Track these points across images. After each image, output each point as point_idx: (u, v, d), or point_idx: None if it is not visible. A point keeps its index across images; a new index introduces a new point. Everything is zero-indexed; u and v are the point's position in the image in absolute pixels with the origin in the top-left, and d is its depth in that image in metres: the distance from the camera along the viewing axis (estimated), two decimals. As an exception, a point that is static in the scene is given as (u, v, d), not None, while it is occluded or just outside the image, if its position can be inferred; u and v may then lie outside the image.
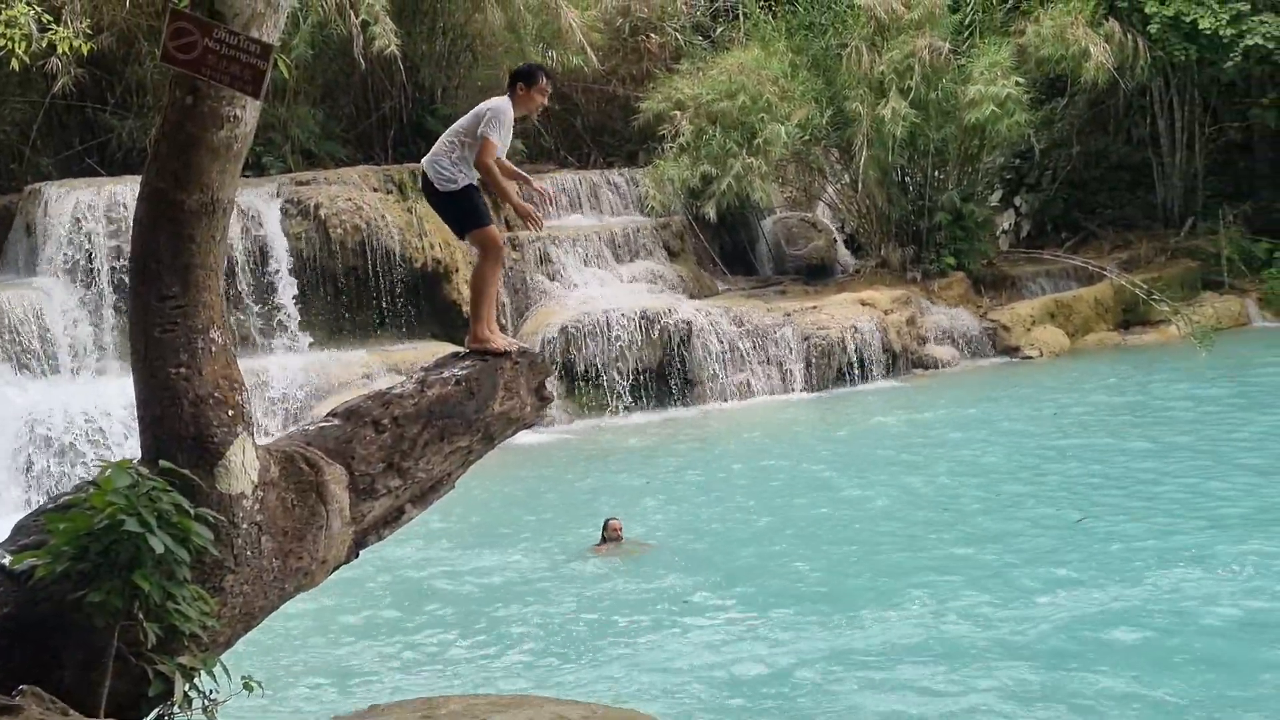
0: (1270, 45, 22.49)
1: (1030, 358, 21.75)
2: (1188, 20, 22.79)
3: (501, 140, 6.79)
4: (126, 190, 16.91)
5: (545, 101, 7.12)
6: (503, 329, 7.25)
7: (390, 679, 8.76)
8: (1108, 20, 22.91)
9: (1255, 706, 7.51)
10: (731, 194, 21.73)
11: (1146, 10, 23.10)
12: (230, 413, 4.94)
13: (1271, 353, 21.03)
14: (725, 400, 19.43)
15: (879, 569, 10.69)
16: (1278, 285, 24.55)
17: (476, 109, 6.90)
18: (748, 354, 19.86)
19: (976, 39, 22.52)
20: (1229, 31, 22.57)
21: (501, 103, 6.87)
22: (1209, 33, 22.67)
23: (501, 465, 14.92)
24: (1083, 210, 27.72)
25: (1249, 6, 22.71)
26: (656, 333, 19.39)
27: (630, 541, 11.52)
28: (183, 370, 4.87)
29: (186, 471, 4.79)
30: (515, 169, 7.22)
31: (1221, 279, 24.69)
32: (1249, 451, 14.18)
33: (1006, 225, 28.60)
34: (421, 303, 19.26)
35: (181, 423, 4.88)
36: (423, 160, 6.95)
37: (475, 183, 6.89)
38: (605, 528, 11.51)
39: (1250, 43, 22.50)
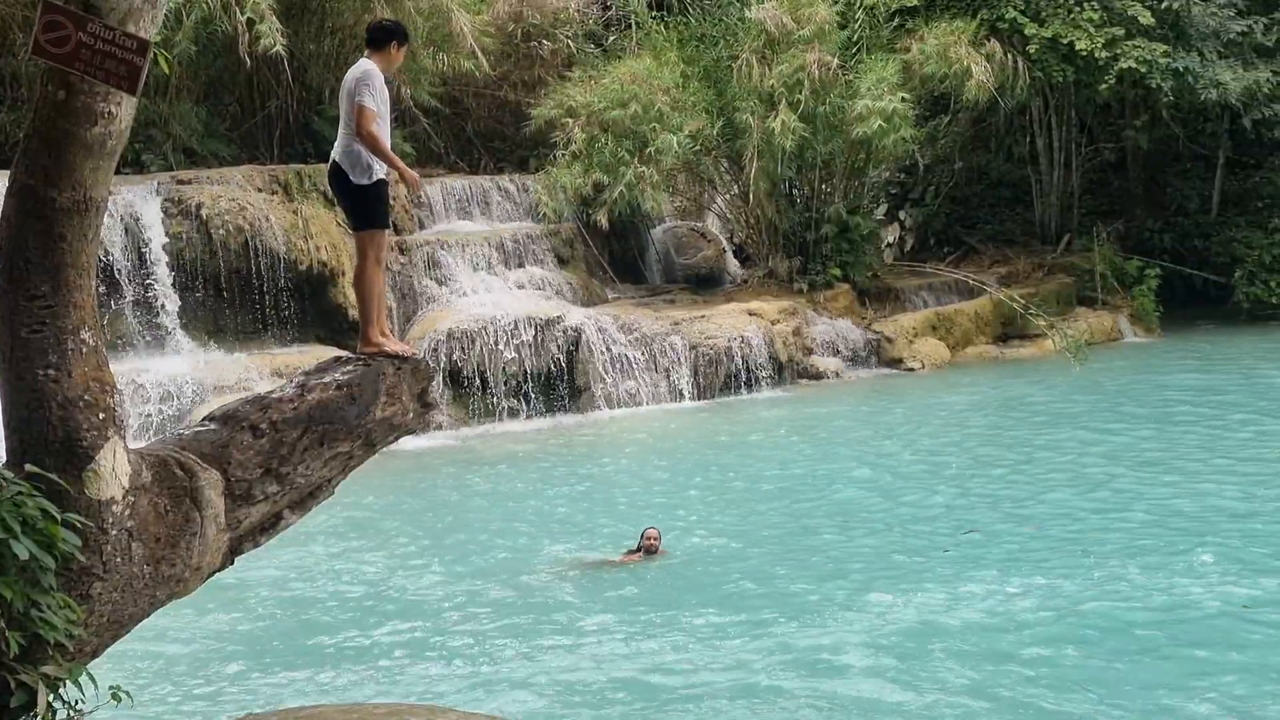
0: (1143, 69, 23.31)
1: (913, 369, 22.20)
2: (1065, 42, 23.52)
3: (378, 106, 6.58)
4: (-2, 185, 16.37)
5: (400, 58, 6.99)
6: (391, 334, 7.13)
7: (268, 690, 8.60)
8: (989, 40, 23.54)
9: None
10: (623, 202, 21.83)
11: (1026, 32, 23.79)
12: (101, 416, 4.81)
13: (1140, 366, 21.79)
14: (613, 408, 19.49)
15: (796, 575, 10.69)
16: (1148, 302, 25.46)
17: (345, 85, 6.70)
18: (636, 362, 19.94)
19: (864, 55, 22.94)
20: (1104, 54, 23.34)
21: (367, 65, 6.68)
22: (1085, 55, 23.42)
23: (387, 472, 14.78)
24: (964, 225, 28.45)
25: (1124, 31, 23.51)
26: (545, 340, 19.37)
27: (665, 552, 11.22)
28: (51, 372, 4.72)
29: (54, 476, 4.65)
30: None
31: (1095, 295, 25.51)
32: (1118, 458, 14.70)
33: (891, 239, 29.20)
34: (306, 306, 18.97)
35: (49, 425, 4.74)
36: (334, 151, 6.76)
37: (386, 176, 6.79)
38: (642, 537, 11.20)
39: (1124, 66, 23.29)
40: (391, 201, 7.32)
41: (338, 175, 6.74)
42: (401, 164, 6.76)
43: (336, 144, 6.78)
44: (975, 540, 11.56)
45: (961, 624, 9.22)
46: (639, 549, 11.19)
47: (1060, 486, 13.52)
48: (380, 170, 6.70)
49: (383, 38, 6.87)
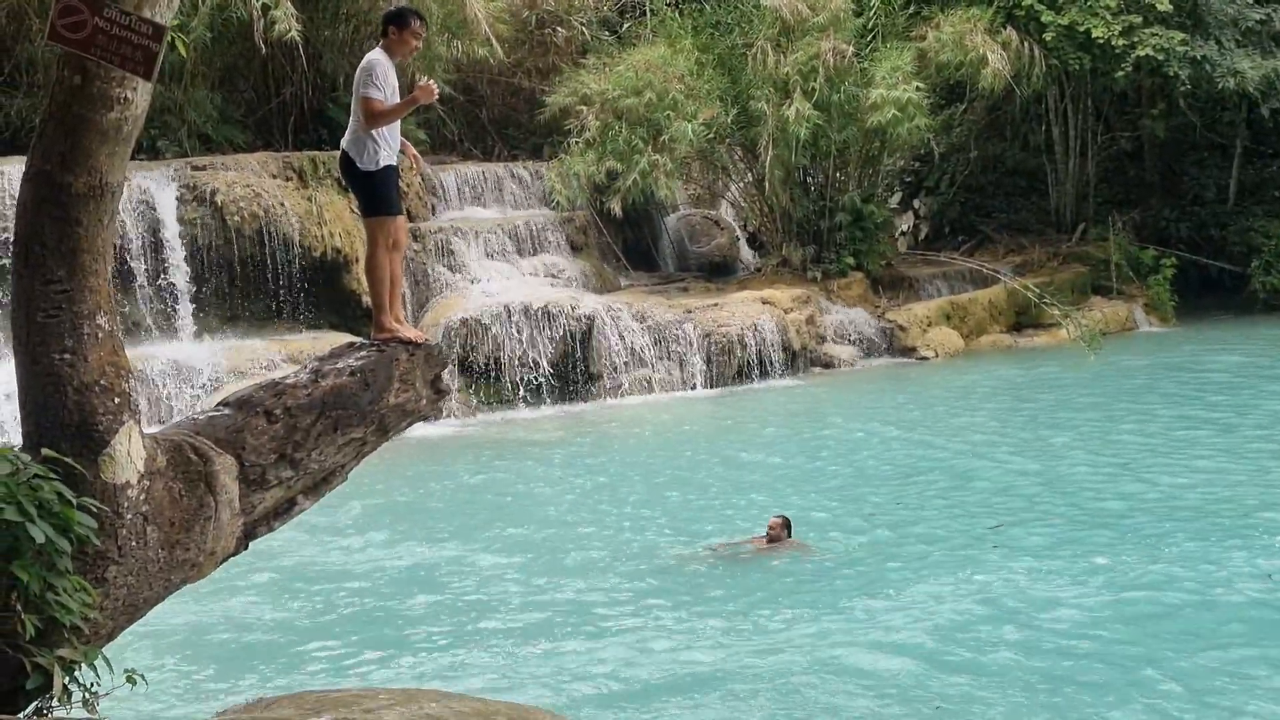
0: (1160, 57, 23.18)
1: (926, 358, 22.16)
2: (1082, 30, 23.41)
3: (383, 93, 6.66)
4: (15, 170, 16.43)
5: (419, 44, 7.00)
6: (404, 320, 7.13)
7: (288, 676, 8.61)
8: (1005, 28, 23.44)
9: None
10: (636, 190, 21.81)
11: (1043, 19, 23.68)
12: (116, 400, 4.83)
13: (1156, 355, 21.73)
14: (626, 396, 19.49)
15: (812, 573, 10.60)
16: (1163, 292, 25.35)
17: (355, 78, 6.80)
18: (649, 350, 19.94)
19: (879, 43, 22.86)
20: (1121, 42, 23.23)
21: (371, 56, 6.76)
22: (1102, 42, 23.30)
23: (408, 459, 14.81)
24: (979, 214, 28.34)
25: (1141, 19, 23.38)
26: (558, 327, 19.37)
27: (791, 542, 10.93)
28: (67, 357, 4.74)
29: (70, 460, 4.67)
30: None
31: (1110, 284, 25.42)
32: (1135, 446, 14.71)
33: (905, 227, 29.13)
34: (320, 292, 19.01)
35: (65, 410, 4.75)
36: (343, 139, 6.85)
37: (394, 163, 6.83)
38: (770, 525, 10.96)
39: (1141, 54, 23.17)
40: (405, 189, 7.37)
41: (346, 163, 6.81)
42: (407, 100, 6.83)
43: (346, 133, 6.85)
44: (1012, 526, 11.58)
45: (1019, 605, 9.30)
46: (764, 536, 10.93)
47: (1095, 472, 13.52)
48: (386, 157, 6.74)
49: (383, 26, 6.97)
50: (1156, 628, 8.83)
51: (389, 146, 6.78)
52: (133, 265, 17.54)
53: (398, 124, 6.87)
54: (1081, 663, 8.23)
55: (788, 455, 15.25)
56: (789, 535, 10.91)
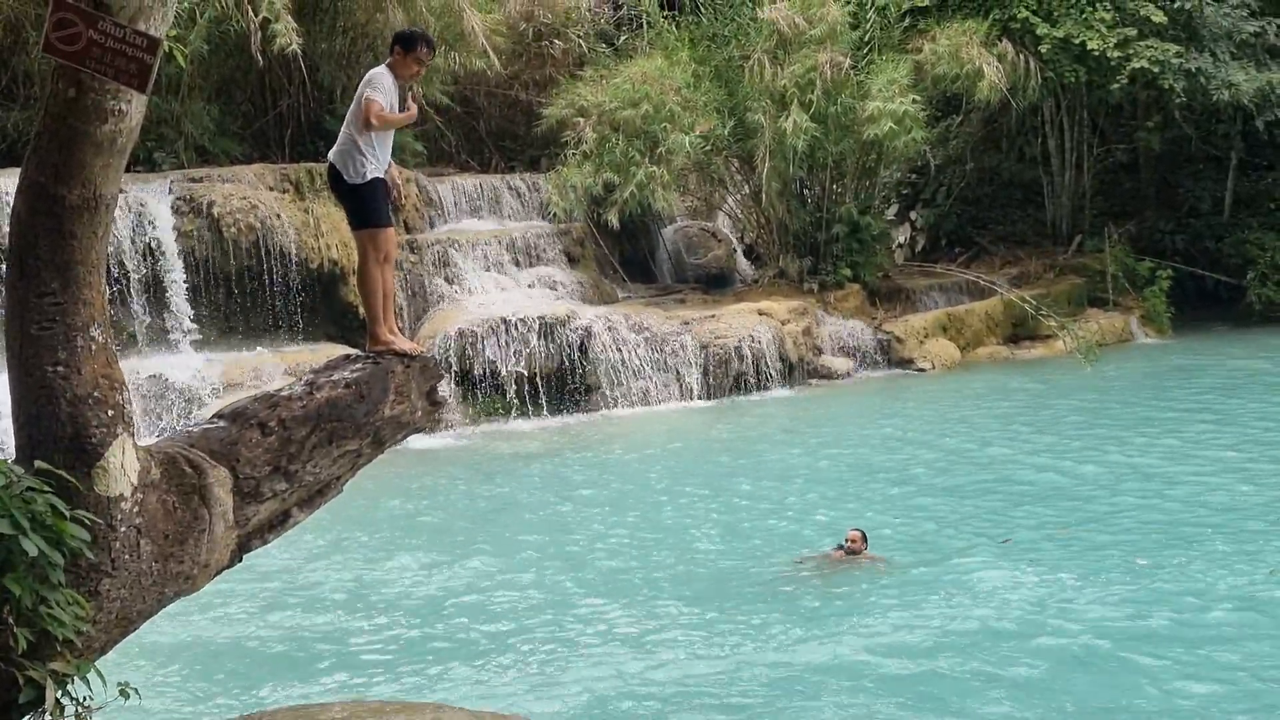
0: (1155, 69, 23.24)
1: (923, 370, 22.16)
2: (1077, 42, 23.47)
3: (383, 99, 6.66)
4: (10, 183, 16.43)
5: (422, 70, 7.00)
6: (400, 332, 7.12)
7: (279, 689, 8.59)
8: (1001, 41, 23.50)
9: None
10: (634, 202, 21.81)
11: (1038, 32, 23.74)
12: (110, 413, 4.82)
13: (1152, 367, 21.75)
14: (623, 407, 19.46)
15: (896, 583, 10.59)
16: (1159, 303, 25.37)
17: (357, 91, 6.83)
18: (646, 361, 19.93)
19: (875, 55, 22.91)
20: (1116, 54, 23.29)
21: (376, 70, 6.78)
22: (1097, 55, 23.37)
23: (403, 471, 14.79)
24: (975, 226, 28.37)
25: (1136, 31, 23.44)
26: (555, 339, 19.37)
27: (868, 555, 10.93)
28: (60, 369, 4.74)
29: (63, 472, 4.66)
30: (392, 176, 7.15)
31: (1106, 296, 25.45)
32: (1139, 455, 14.78)
33: (902, 239, 29.14)
34: (317, 304, 19.01)
35: (58, 422, 4.75)
36: (331, 152, 6.84)
37: (382, 175, 6.82)
38: (846, 539, 10.96)
39: (1136, 66, 23.23)
40: (402, 201, 7.38)
41: (334, 176, 6.80)
42: (404, 114, 6.91)
43: (335, 146, 6.83)
44: (1030, 534, 11.66)
45: (1067, 607, 9.48)
46: (840, 549, 10.94)
47: (1102, 481, 13.57)
48: (374, 170, 6.73)
49: (391, 44, 6.99)
50: (1195, 626, 9.06)
51: (377, 159, 6.76)
52: (129, 277, 17.53)
53: (389, 138, 6.85)
54: (1123, 659, 8.46)
55: (789, 466, 15.23)
56: (867, 548, 11.00)
